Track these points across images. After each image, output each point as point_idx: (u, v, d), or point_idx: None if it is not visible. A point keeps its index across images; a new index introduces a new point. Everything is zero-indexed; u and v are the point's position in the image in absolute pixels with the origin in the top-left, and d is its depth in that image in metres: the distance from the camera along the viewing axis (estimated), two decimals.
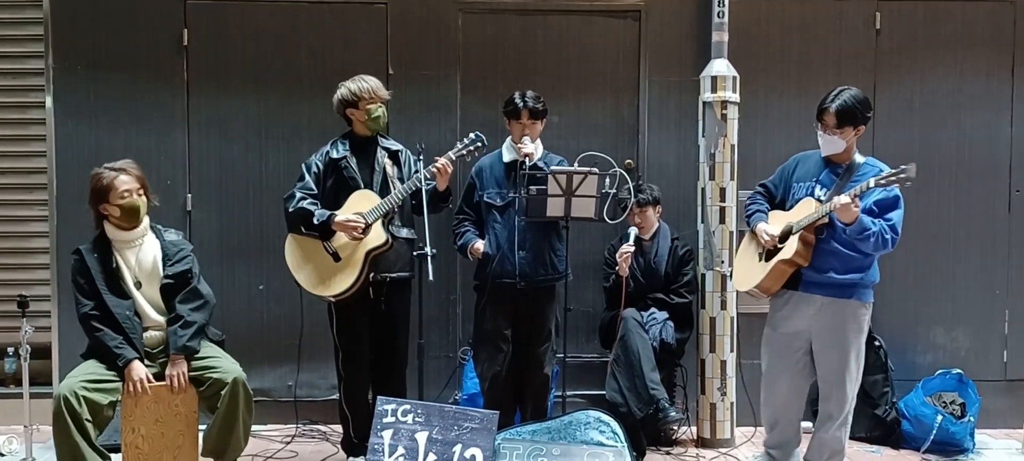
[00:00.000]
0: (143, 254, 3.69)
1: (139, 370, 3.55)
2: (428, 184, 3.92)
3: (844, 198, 3.45)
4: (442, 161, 3.92)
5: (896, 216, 3.59)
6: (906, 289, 4.98)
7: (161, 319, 3.68)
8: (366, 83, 4.00)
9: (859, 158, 3.71)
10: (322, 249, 3.93)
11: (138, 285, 3.67)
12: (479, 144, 4.01)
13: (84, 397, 3.42)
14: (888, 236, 3.54)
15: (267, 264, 4.76)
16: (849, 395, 3.74)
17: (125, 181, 3.64)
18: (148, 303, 3.67)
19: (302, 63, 4.84)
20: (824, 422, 3.80)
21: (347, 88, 4.01)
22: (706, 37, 4.75)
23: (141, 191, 3.68)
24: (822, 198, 3.64)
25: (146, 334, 3.65)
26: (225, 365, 3.64)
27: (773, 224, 3.79)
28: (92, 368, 3.57)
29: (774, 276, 3.72)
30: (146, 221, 3.73)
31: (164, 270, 3.68)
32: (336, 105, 4.04)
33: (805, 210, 3.66)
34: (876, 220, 3.56)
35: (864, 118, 3.65)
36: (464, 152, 4.00)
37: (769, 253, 3.75)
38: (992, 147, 4.99)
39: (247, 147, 4.85)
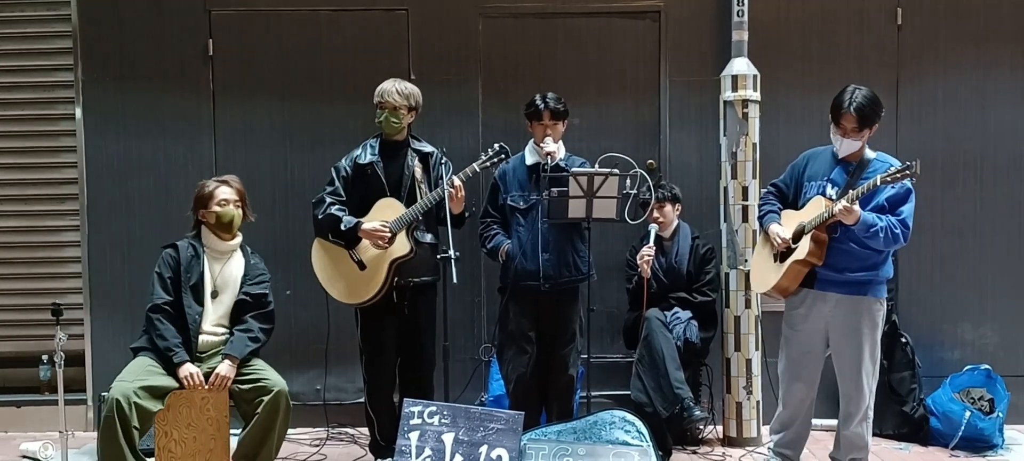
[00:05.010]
0: (228, 268, 3.86)
1: (191, 368, 3.65)
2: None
3: (842, 203, 3.48)
4: (457, 182, 3.88)
5: (906, 210, 3.59)
6: (933, 285, 4.95)
7: (218, 329, 3.80)
8: (382, 86, 4.01)
9: (870, 153, 3.71)
10: (348, 257, 3.98)
11: (214, 295, 3.80)
12: (503, 155, 3.99)
13: (136, 404, 3.48)
14: (898, 231, 3.55)
15: (294, 269, 4.80)
16: (866, 391, 3.73)
17: (225, 191, 3.84)
18: (215, 313, 3.80)
19: (325, 71, 4.90)
20: (845, 420, 3.80)
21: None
22: (726, 36, 4.75)
23: (239, 204, 3.85)
24: (834, 196, 3.63)
25: (200, 338, 3.75)
26: (272, 377, 3.74)
27: (786, 224, 3.80)
28: (145, 369, 3.63)
29: (790, 277, 3.74)
30: (239, 238, 3.90)
31: (243, 287, 3.84)
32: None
33: (816, 209, 3.65)
34: (884, 216, 3.56)
35: (879, 116, 3.66)
36: (488, 164, 3.99)
37: (783, 254, 3.77)
38: (1017, 141, 4.94)
39: (273, 154, 4.92)
